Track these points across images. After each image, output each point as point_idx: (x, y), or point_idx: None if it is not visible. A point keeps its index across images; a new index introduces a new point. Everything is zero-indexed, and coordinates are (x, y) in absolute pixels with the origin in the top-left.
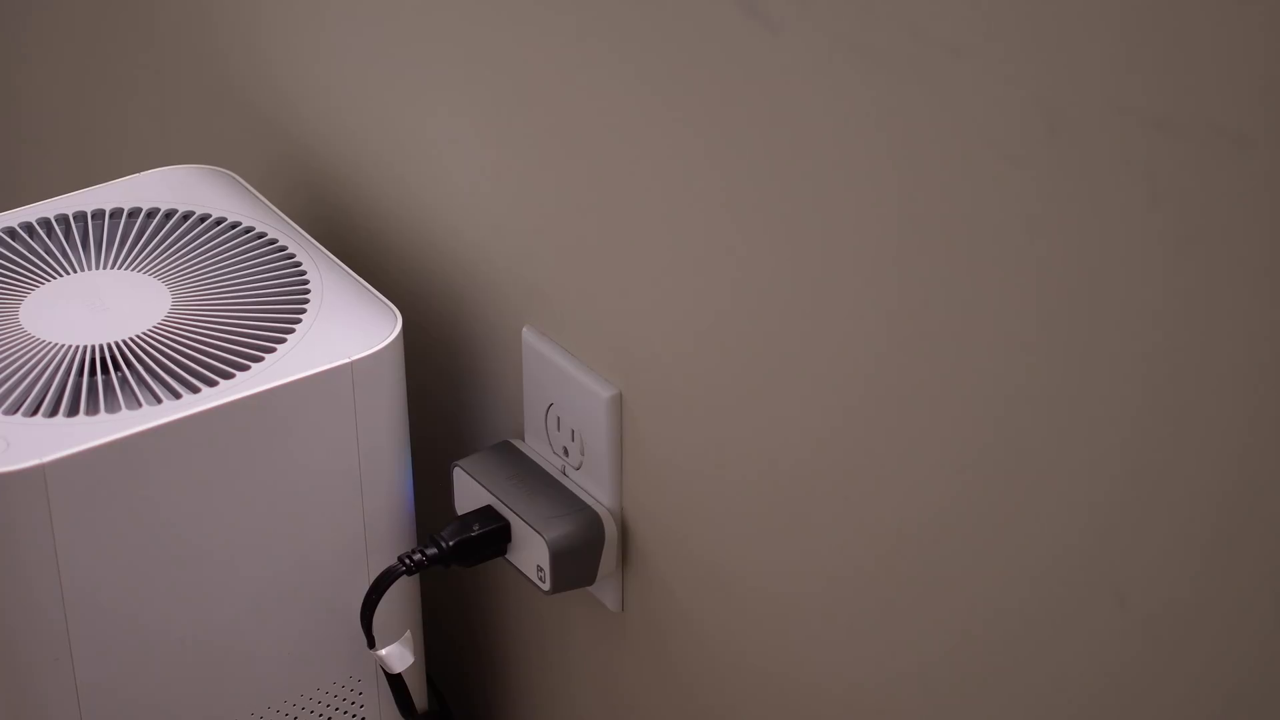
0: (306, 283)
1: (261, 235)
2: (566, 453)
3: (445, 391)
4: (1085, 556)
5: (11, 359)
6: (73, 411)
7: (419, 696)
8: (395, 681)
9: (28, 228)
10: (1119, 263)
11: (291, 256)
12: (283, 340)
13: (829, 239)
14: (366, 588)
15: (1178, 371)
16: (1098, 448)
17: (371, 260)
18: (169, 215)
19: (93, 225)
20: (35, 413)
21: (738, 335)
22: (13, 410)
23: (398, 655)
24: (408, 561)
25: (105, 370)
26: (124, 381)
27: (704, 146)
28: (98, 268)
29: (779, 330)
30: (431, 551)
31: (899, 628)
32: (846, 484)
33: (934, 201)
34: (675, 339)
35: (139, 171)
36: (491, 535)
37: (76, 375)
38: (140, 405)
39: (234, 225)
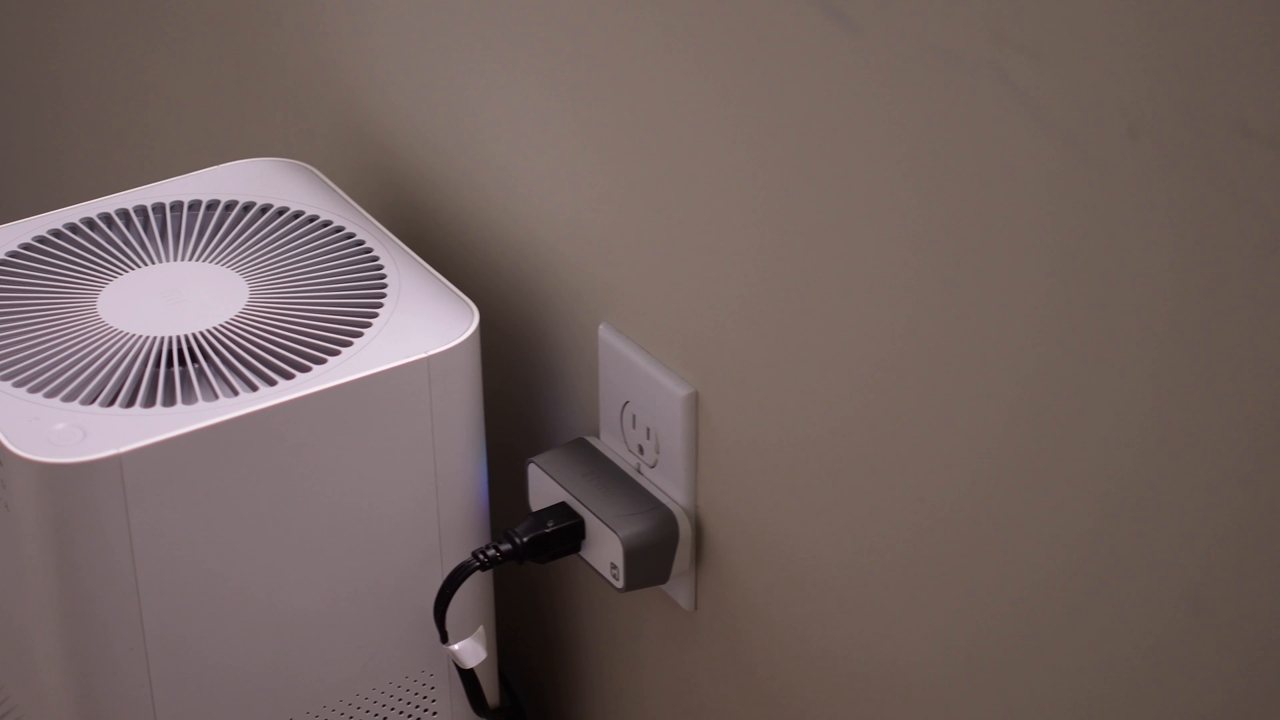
0: (384, 278)
1: (340, 230)
2: (641, 450)
3: (520, 388)
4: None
5: (89, 349)
6: (149, 402)
7: (491, 692)
8: (467, 677)
9: (106, 218)
10: (1197, 262)
11: (369, 251)
12: (359, 335)
13: (910, 239)
14: (440, 583)
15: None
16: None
17: (449, 256)
18: (247, 208)
19: (171, 217)
20: (112, 403)
21: (814, 335)
22: (90, 400)
23: (470, 650)
24: (482, 557)
25: (182, 362)
26: (200, 373)
27: (781, 145)
28: (176, 259)
29: (858, 330)
30: (505, 547)
31: (979, 628)
32: (926, 483)
33: (1014, 206)
34: (752, 338)
35: (219, 163)
36: (565, 532)
37: (154, 366)
38: (216, 397)
39: (312, 219)
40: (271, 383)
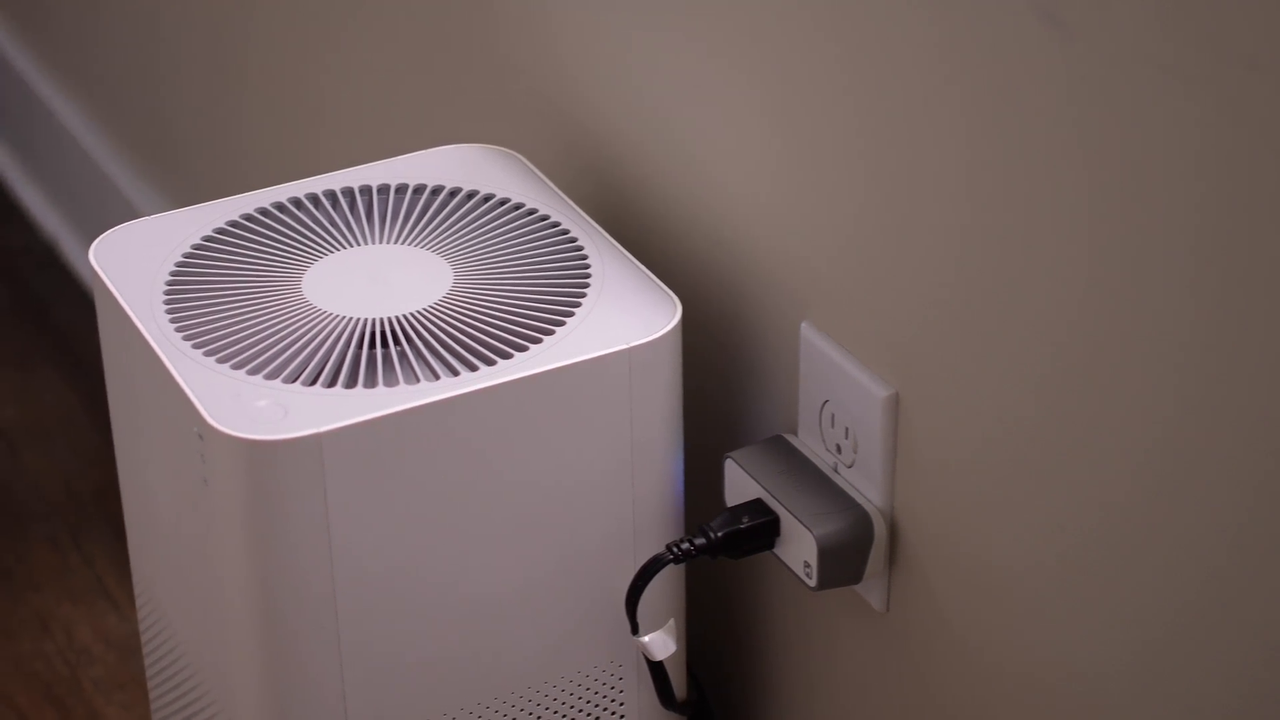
0: (588, 267)
1: (545, 218)
2: (839, 450)
3: (719, 382)
4: None
5: (293, 328)
6: (351, 383)
7: (678, 686)
8: (656, 669)
9: (314, 199)
10: None
11: (574, 240)
12: (561, 323)
13: (1123, 242)
14: (633, 574)
15: None
16: None
17: (653, 248)
18: (454, 193)
19: (378, 199)
20: (314, 383)
21: (1017, 340)
22: (292, 379)
23: (660, 643)
24: (676, 550)
25: (384, 344)
26: (402, 356)
27: (990, 149)
28: (381, 242)
29: (1062, 336)
30: (700, 541)
31: (1188, 645)
32: (1137, 495)
33: (1231, 214)
34: (955, 341)
35: (426, 148)
36: (760, 529)
37: (356, 348)
38: (418, 381)
39: (518, 206)
40: (473, 368)
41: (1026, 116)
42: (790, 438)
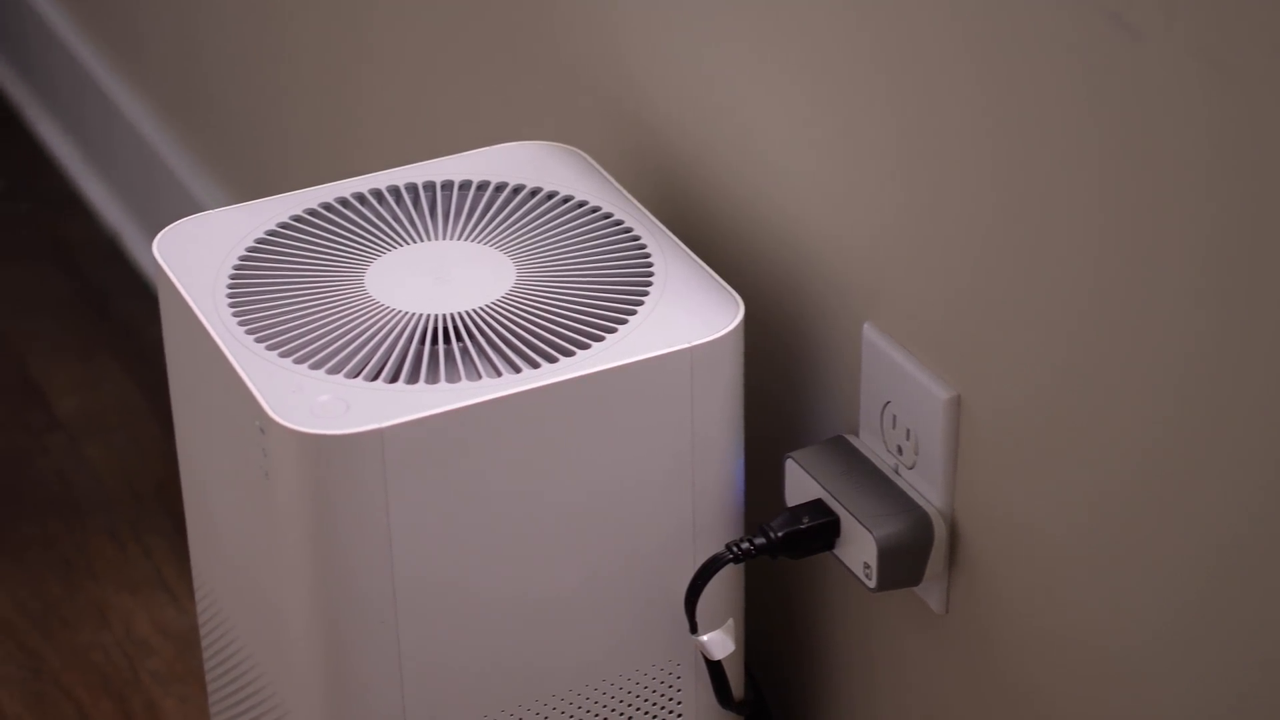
0: (650, 265)
1: (608, 216)
2: (900, 451)
3: (780, 382)
4: None
5: (355, 323)
6: (413, 379)
7: (736, 685)
8: (714, 668)
9: (377, 194)
10: None
11: (637, 239)
12: (624, 322)
13: (1195, 244)
14: (692, 573)
15: None
16: None
17: (715, 246)
18: (517, 190)
19: (441, 195)
20: (376, 378)
21: (1085, 344)
22: (354, 374)
23: (719, 642)
24: (735, 550)
25: (447, 340)
26: (465, 352)
27: (1056, 150)
28: (444, 238)
29: (1129, 341)
30: (760, 541)
31: (1246, 655)
32: (1196, 500)
33: None
34: (1019, 345)
35: (490, 145)
36: (820, 529)
37: (418, 343)
38: (480, 377)
39: (581, 204)
40: (535, 365)
41: (1095, 119)
42: (851, 438)
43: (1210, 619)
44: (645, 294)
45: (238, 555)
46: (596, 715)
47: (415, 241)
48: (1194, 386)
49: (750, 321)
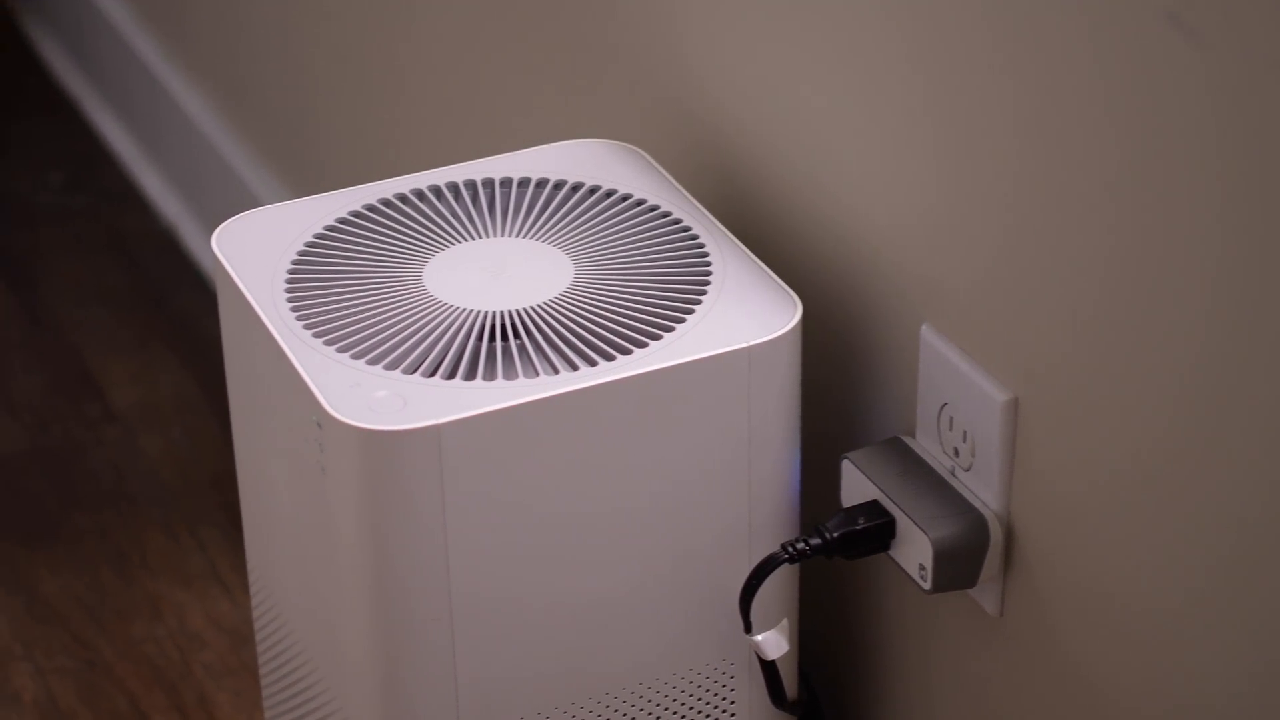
0: (709, 264)
1: (667, 214)
2: (957, 453)
3: (837, 383)
4: None
5: (413, 319)
6: (470, 375)
7: (790, 685)
8: (768, 668)
9: (436, 191)
10: None
11: (695, 237)
12: (682, 320)
13: (1261, 252)
14: (747, 573)
15: None
16: None
17: (774, 246)
18: (576, 188)
19: (500, 192)
20: (433, 374)
21: (1145, 349)
22: (412, 370)
23: (773, 642)
24: (791, 550)
25: (504, 337)
26: (522, 349)
27: (1115, 151)
28: (503, 235)
29: (1186, 344)
30: (815, 542)
31: None
32: (1258, 500)
33: None
34: (1078, 348)
35: (549, 143)
36: (876, 530)
37: (476, 340)
38: (537, 374)
39: (640, 202)
40: (593, 363)
41: (1162, 123)
42: (908, 440)
43: (1276, 641)
44: (703, 293)
45: (293, 550)
46: (650, 714)
47: (474, 238)
48: (1260, 390)
49: (808, 321)
